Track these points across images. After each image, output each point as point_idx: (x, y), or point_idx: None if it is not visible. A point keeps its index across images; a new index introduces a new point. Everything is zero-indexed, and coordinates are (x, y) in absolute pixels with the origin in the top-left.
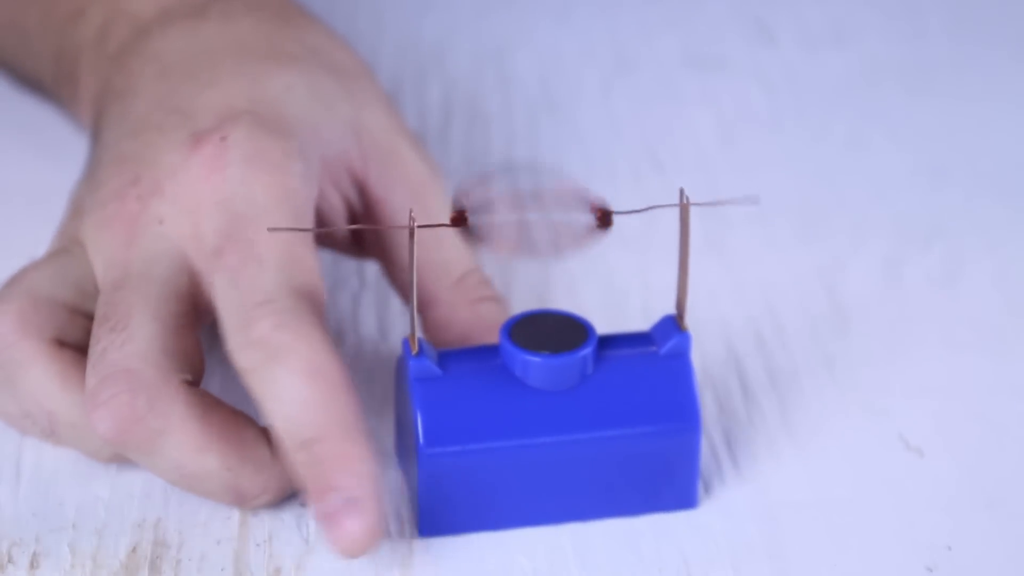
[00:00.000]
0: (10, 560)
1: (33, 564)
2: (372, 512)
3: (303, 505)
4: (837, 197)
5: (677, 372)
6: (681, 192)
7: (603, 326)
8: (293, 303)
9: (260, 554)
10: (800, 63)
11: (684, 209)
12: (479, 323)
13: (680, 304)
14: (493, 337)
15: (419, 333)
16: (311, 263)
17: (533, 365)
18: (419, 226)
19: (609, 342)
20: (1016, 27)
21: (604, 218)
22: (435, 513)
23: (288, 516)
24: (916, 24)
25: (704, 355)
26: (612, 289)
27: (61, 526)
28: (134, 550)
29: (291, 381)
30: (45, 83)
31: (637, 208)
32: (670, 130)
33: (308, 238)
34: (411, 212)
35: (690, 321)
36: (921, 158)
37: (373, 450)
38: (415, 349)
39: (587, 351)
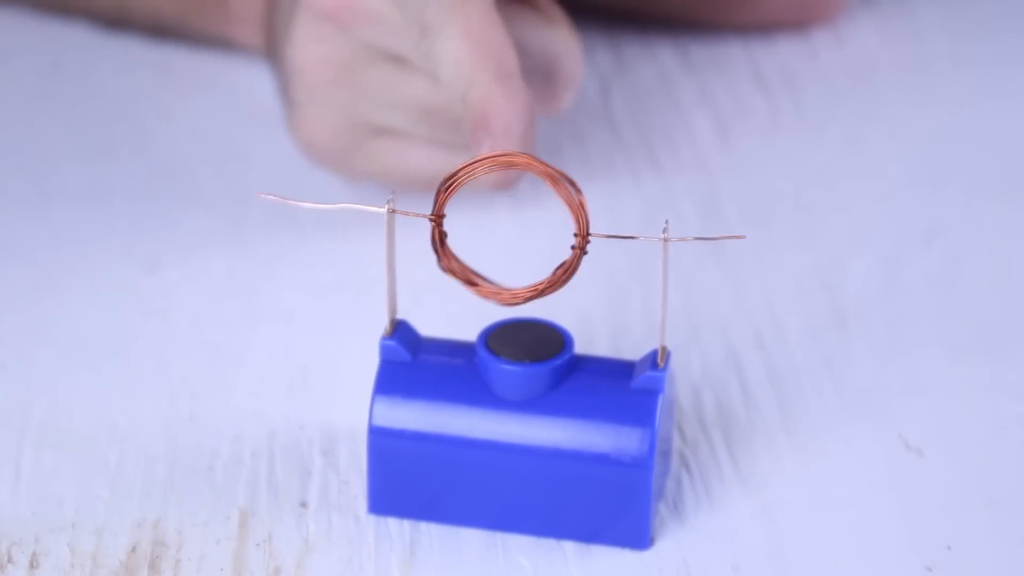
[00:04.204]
0: (10, 560)
1: (33, 564)
2: (512, 146)
3: (303, 505)
4: (836, 197)
5: (641, 408)
6: (665, 227)
7: (601, 327)
8: None
9: (260, 554)
10: (799, 63)
11: (665, 243)
12: None
13: (660, 338)
14: None
15: (400, 315)
16: None
17: (495, 370)
18: (394, 211)
19: (587, 363)
20: (1016, 27)
21: (582, 246)
22: (384, 493)
23: (288, 516)
24: (915, 24)
25: (704, 355)
26: (613, 288)
27: (61, 526)
28: (134, 550)
29: (449, 46)
30: (154, 16)
31: (620, 234)
32: (669, 130)
33: None
34: (389, 198)
35: (690, 321)
36: (920, 158)
37: (524, 93)
38: (390, 330)
39: (549, 366)
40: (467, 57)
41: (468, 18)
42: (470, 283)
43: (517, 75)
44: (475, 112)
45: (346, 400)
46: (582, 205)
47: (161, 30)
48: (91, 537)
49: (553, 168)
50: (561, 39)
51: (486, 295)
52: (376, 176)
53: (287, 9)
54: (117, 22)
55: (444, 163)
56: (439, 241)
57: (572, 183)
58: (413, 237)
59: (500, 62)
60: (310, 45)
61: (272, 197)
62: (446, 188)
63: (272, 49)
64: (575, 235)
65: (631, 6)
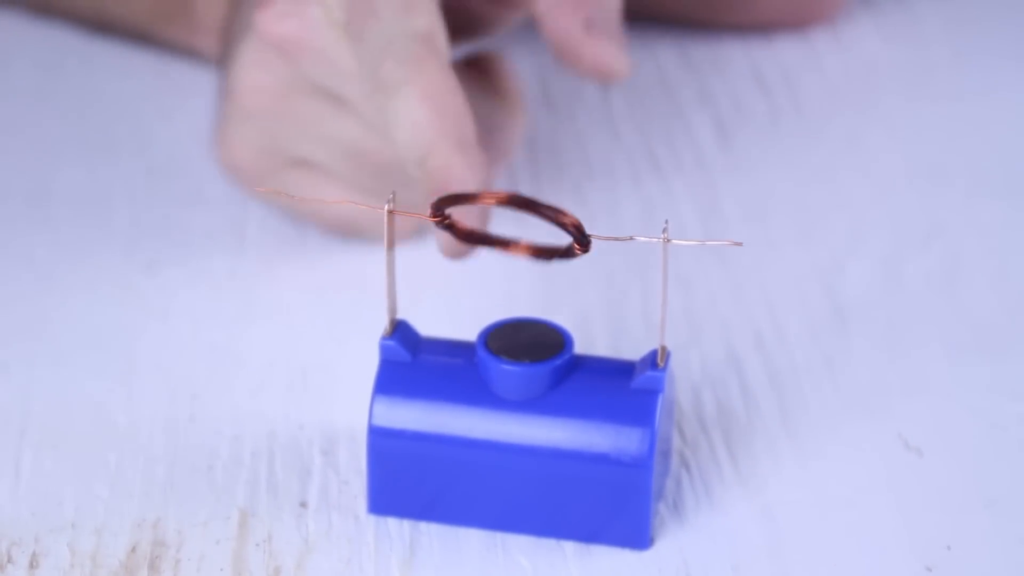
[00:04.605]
0: (10, 560)
1: (33, 564)
2: (473, 218)
3: (303, 505)
4: (836, 197)
5: (641, 408)
6: (665, 227)
7: (601, 327)
8: (409, 42)
9: (259, 554)
10: (799, 63)
11: (665, 244)
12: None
13: (660, 338)
14: (584, 50)
15: (400, 315)
16: (426, 6)
17: (495, 370)
18: (394, 211)
19: (587, 363)
20: (1016, 27)
21: (582, 244)
22: (384, 493)
23: (288, 516)
24: (915, 24)
25: (704, 355)
26: (613, 288)
27: (61, 526)
28: (133, 550)
29: (407, 107)
30: (127, 23)
31: (618, 236)
32: (669, 130)
33: None
34: (389, 197)
35: (690, 321)
36: (920, 158)
37: (482, 163)
38: (390, 330)
39: (549, 366)
40: (425, 121)
41: (428, 80)
42: (502, 245)
43: (475, 143)
44: (435, 179)
45: (346, 400)
46: (574, 224)
47: (135, 36)
48: (91, 537)
49: (532, 201)
50: (503, 113)
51: (520, 251)
52: (287, 206)
53: (240, 28)
54: (97, 27)
55: (356, 206)
56: (449, 227)
57: (552, 208)
58: (413, 237)
59: (460, 129)
60: (252, 70)
61: (271, 191)
62: (445, 202)
63: (222, 60)
64: (574, 245)
65: (631, 6)
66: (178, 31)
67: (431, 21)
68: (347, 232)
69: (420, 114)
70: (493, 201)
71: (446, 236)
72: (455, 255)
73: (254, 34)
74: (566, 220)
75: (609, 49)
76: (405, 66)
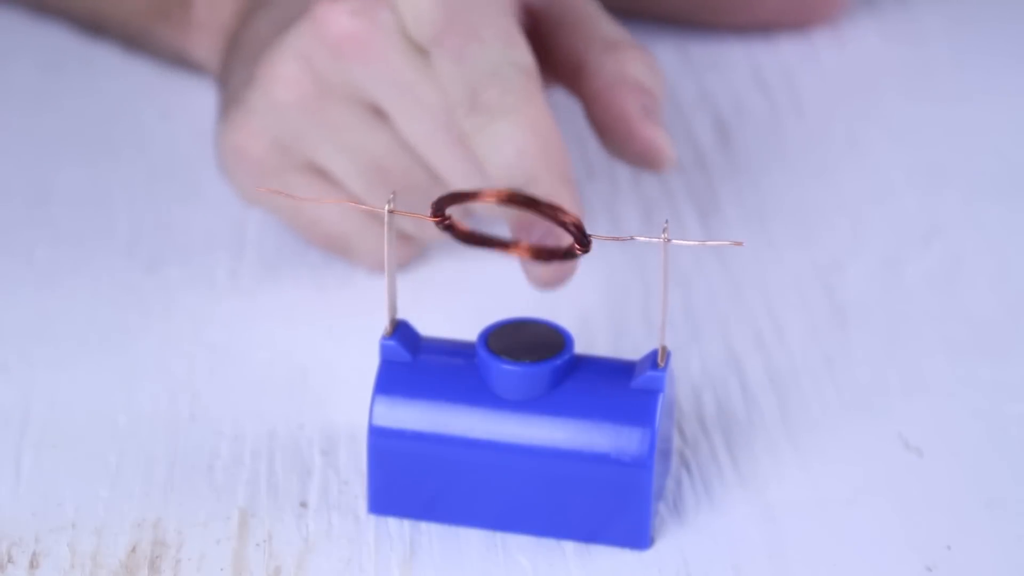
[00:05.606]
0: (10, 560)
1: (33, 564)
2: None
3: (303, 505)
4: (836, 197)
5: (641, 408)
6: (665, 227)
7: (601, 327)
8: (517, 73)
9: (260, 554)
10: (799, 63)
11: (665, 244)
12: (624, 80)
13: (660, 338)
14: (635, 98)
15: (400, 315)
16: (524, 42)
17: (495, 370)
18: (393, 211)
19: (587, 363)
20: (1015, 27)
21: (582, 243)
22: (384, 493)
23: (288, 516)
24: (914, 24)
25: (704, 355)
26: (613, 288)
27: (61, 526)
28: (134, 550)
29: (513, 133)
30: (124, 22)
31: (618, 236)
32: (669, 130)
33: (516, 21)
34: (389, 198)
35: (690, 321)
36: (920, 158)
37: (580, 202)
38: (390, 330)
39: (549, 366)
40: (534, 150)
41: (536, 112)
42: (502, 246)
43: (574, 180)
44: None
45: (346, 400)
46: (575, 223)
47: (129, 37)
48: (91, 537)
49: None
50: None
51: (520, 252)
52: (279, 210)
53: (283, 12)
54: (92, 27)
55: (351, 226)
56: (449, 228)
57: (552, 206)
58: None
59: (564, 164)
60: (294, 61)
61: (272, 191)
62: (446, 200)
63: (240, 45)
64: (574, 245)
65: (631, 6)
66: (173, 30)
67: (532, 59)
68: (335, 249)
69: (529, 142)
70: (493, 199)
71: (536, 267)
72: (547, 284)
73: (310, 25)
74: (566, 219)
75: (662, 135)
76: (513, 95)
